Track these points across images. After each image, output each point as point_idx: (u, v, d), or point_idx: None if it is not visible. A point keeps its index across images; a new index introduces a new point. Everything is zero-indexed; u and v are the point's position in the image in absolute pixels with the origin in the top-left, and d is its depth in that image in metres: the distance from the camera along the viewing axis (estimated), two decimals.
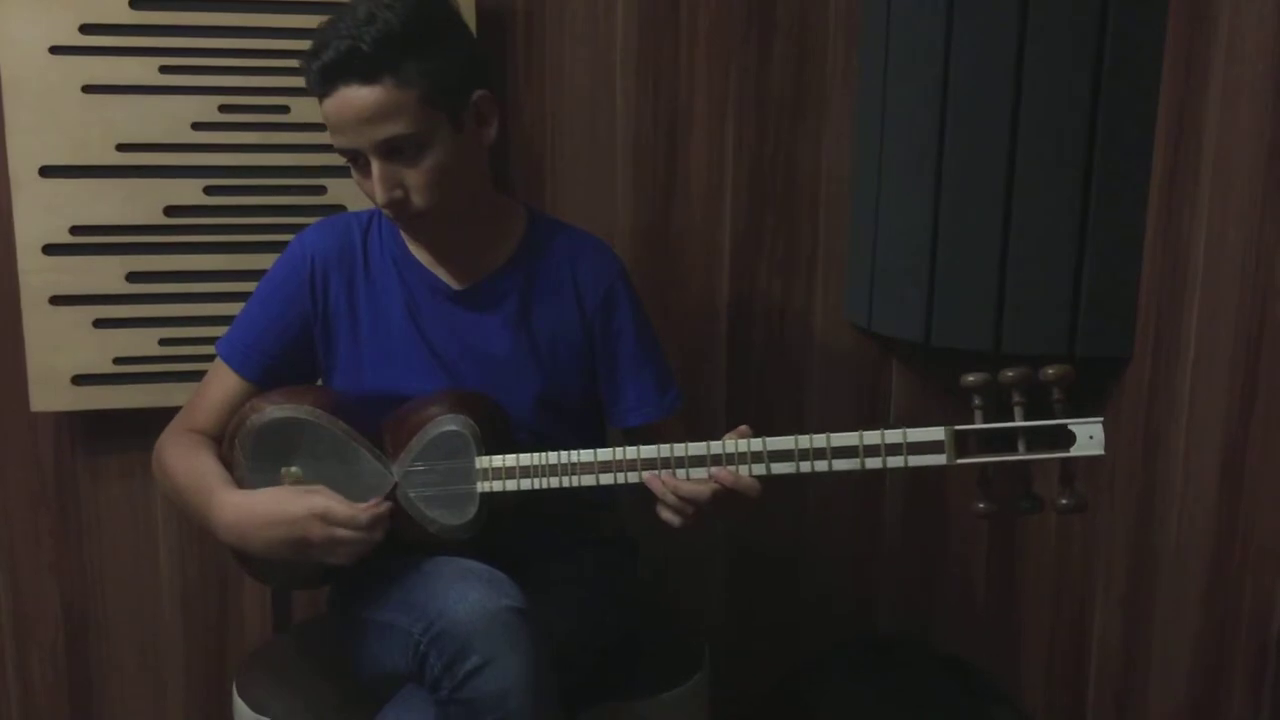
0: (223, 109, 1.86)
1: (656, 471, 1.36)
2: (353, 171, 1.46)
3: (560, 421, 1.59)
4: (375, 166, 1.40)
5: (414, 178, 1.42)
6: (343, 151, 1.43)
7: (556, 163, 2.05)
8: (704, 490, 1.34)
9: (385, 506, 1.38)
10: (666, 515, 1.37)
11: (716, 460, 1.34)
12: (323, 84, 1.39)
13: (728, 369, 2.17)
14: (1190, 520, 1.70)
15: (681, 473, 1.36)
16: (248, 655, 1.81)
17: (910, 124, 1.89)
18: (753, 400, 2.17)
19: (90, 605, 2.04)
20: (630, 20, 2.03)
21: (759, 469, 1.33)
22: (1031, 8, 1.73)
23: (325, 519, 1.35)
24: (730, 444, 1.34)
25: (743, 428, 1.37)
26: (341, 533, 1.35)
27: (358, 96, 1.37)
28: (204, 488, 1.44)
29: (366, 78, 1.36)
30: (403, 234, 1.55)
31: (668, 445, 1.36)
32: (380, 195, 1.41)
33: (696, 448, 1.35)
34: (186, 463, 1.49)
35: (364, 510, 1.36)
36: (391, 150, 1.40)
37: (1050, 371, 1.23)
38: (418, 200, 1.43)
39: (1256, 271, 1.55)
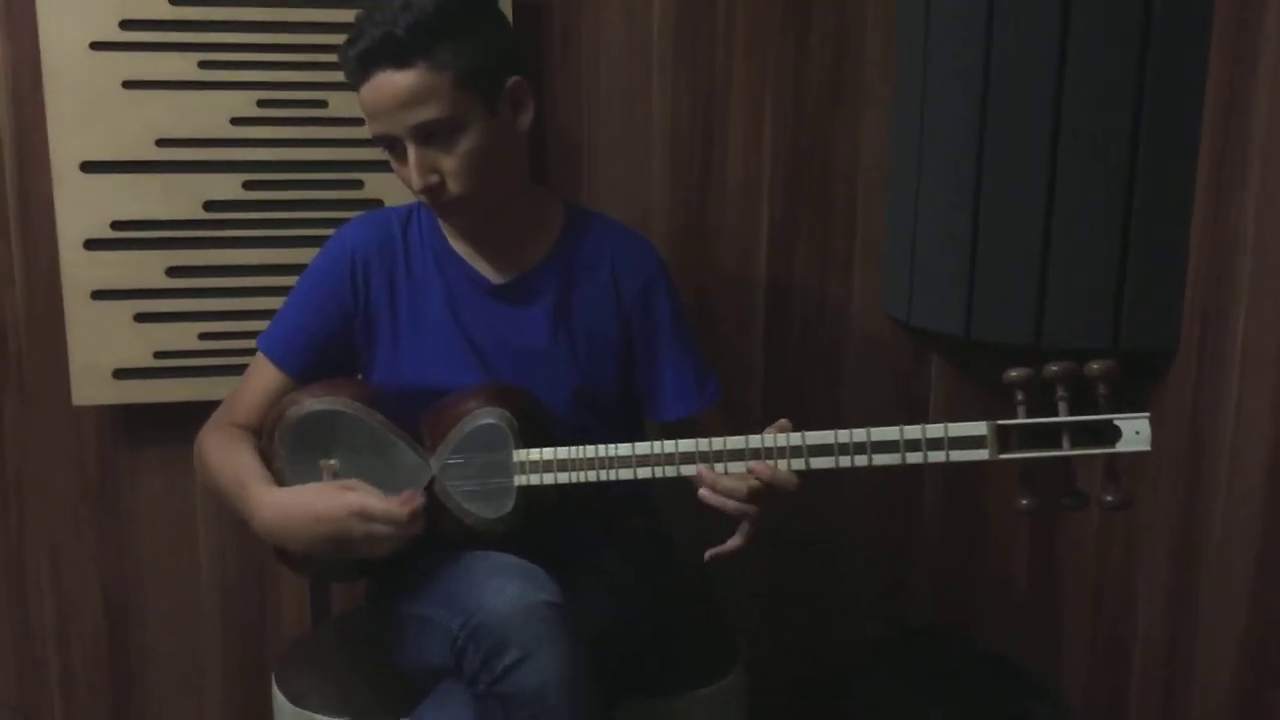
0: (261, 104, 1.87)
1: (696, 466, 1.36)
2: (390, 159, 1.47)
3: (598, 415, 1.58)
4: (411, 152, 1.41)
5: (449, 163, 1.42)
6: (379, 138, 1.44)
7: (593, 153, 2.04)
8: (741, 485, 1.33)
9: (421, 499, 1.38)
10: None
11: (755, 455, 1.34)
12: (359, 71, 1.40)
13: (765, 362, 2.15)
14: (1236, 517, 1.67)
15: (720, 467, 1.35)
16: (286, 647, 1.82)
17: (950, 115, 1.87)
18: (789, 394, 2.16)
19: (131, 597, 2.06)
20: (667, 10, 2.02)
21: (798, 464, 1.32)
22: None
23: (364, 515, 1.35)
24: (769, 438, 1.33)
25: (782, 421, 1.36)
26: (380, 528, 1.35)
27: (392, 81, 1.38)
28: (243, 485, 1.44)
29: (400, 62, 1.37)
30: (442, 226, 1.55)
31: (706, 439, 1.36)
32: (416, 180, 1.42)
33: (735, 442, 1.35)
34: (226, 458, 1.50)
35: (401, 504, 1.36)
36: (427, 135, 1.41)
37: (1095, 366, 1.21)
38: (454, 186, 1.43)
39: None
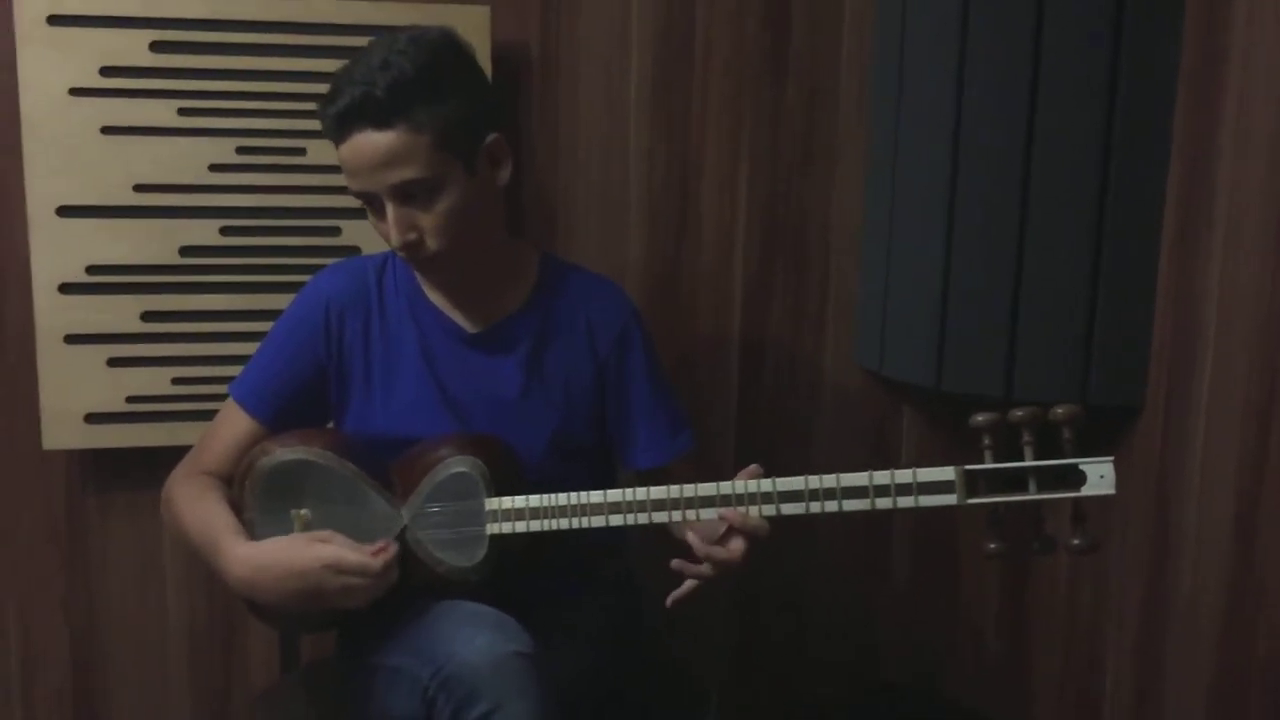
0: (240, 150, 1.88)
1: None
2: (368, 214, 1.47)
3: (572, 464, 1.58)
4: (390, 210, 1.42)
5: (428, 221, 1.43)
6: (358, 195, 1.45)
7: (570, 205, 2.06)
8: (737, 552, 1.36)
9: (394, 549, 1.38)
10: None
11: (726, 501, 1.35)
12: (338, 129, 1.41)
13: (738, 412, 2.17)
14: (1204, 569, 1.68)
15: (691, 514, 1.36)
16: (254, 696, 1.80)
17: (922, 170, 1.90)
18: (763, 444, 2.17)
19: (98, 643, 2.03)
20: (644, 64, 2.05)
21: (769, 509, 1.33)
22: (1044, 55, 1.75)
23: (337, 568, 1.35)
24: (740, 485, 1.34)
25: (753, 467, 1.37)
26: (354, 580, 1.35)
27: (371, 142, 1.38)
28: (213, 537, 1.43)
29: (380, 123, 1.38)
30: (418, 276, 1.56)
31: (678, 486, 1.37)
32: (396, 238, 1.43)
33: (706, 488, 1.35)
34: (196, 508, 1.49)
35: (374, 555, 1.35)
36: (406, 194, 1.41)
37: (1060, 411, 1.23)
38: (432, 243, 1.44)
39: (1269, 321, 1.55)
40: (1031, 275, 1.81)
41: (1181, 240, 1.73)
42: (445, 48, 1.44)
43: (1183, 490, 1.73)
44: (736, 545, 1.36)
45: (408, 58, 1.39)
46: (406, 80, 1.38)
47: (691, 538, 1.37)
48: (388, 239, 1.45)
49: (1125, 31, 1.72)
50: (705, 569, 1.37)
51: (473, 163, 1.45)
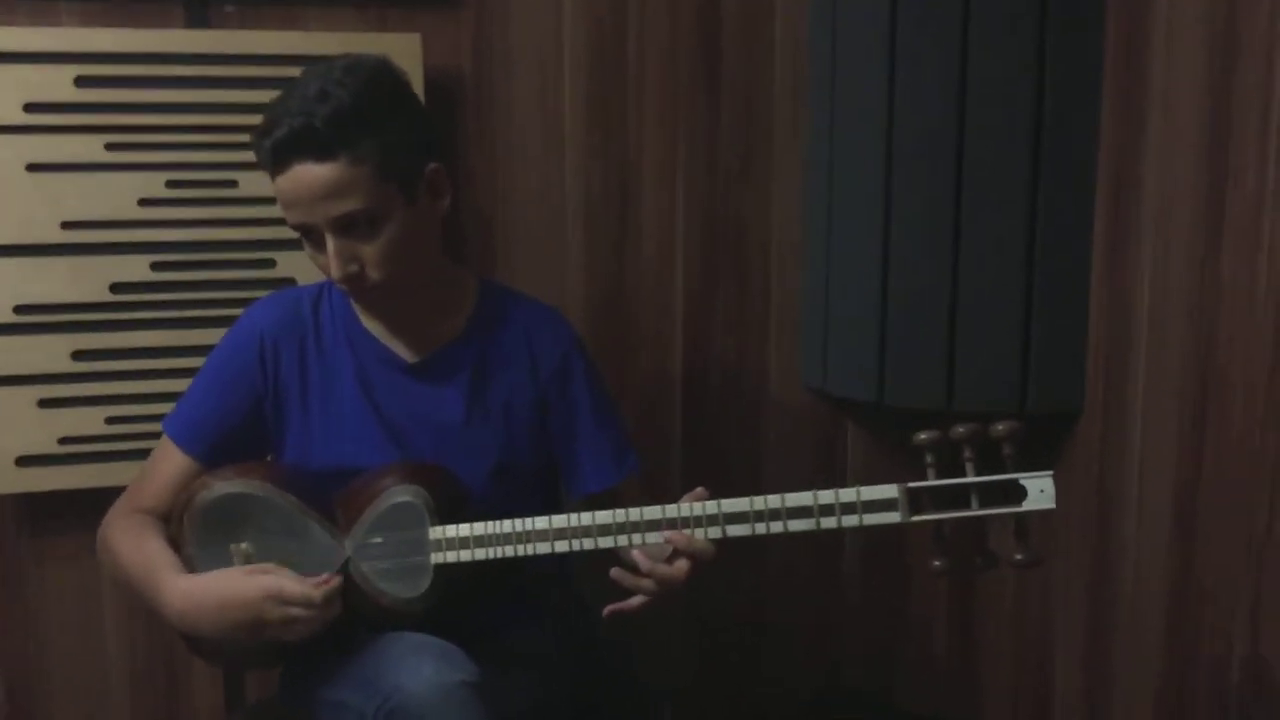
0: (170, 184, 1.85)
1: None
2: (305, 246, 1.45)
3: (516, 490, 1.57)
4: (330, 242, 1.39)
5: (369, 252, 1.41)
6: (296, 227, 1.42)
7: (508, 229, 2.06)
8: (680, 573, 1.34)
9: (337, 581, 1.37)
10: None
11: (672, 524, 1.34)
12: (275, 161, 1.38)
13: (683, 431, 2.16)
14: (1145, 570, 1.71)
15: (637, 538, 1.35)
16: None
17: (856, 184, 1.92)
18: (709, 464, 2.17)
19: (36, 690, 1.98)
20: (578, 85, 2.05)
21: (715, 532, 1.33)
22: (971, 67, 1.77)
23: (278, 598, 1.33)
24: (685, 507, 1.34)
25: (699, 490, 1.37)
26: (296, 611, 1.33)
27: (311, 174, 1.36)
28: (152, 573, 1.41)
29: (320, 155, 1.36)
30: (355, 307, 1.54)
31: (623, 510, 1.36)
32: (336, 271, 1.40)
33: (651, 512, 1.35)
34: (134, 546, 1.46)
35: (316, 587, 1.34)
36: (347, 225, 1.39)
37: (1000, 428, 1.25)
38: (373, 274, 1.42)
39: (1199, 322, 1.58)
40: (967, 287, 1.83)
41: (1111, 246, 1.76)
42: (383, 76, 1.43)
43: (1122, 492, 1.75)
44: (680, 565, 1.36)
45: (345, 87, 1.37)
46: (346, 110, 1.36)
47: (638, 554, 1.36)
48: (326, 271, 1.43)
49: (1050, 40, 1.76)
50: (648, 584, 1.36)
51: (413, 192, 1.44)
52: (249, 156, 1.81)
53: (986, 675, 2.16)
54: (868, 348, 1.91)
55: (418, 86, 1.85)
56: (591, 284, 2.10)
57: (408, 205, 1.43)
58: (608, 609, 1.39)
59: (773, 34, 2.11)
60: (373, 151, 1.37)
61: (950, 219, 1.82)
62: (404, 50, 1.85)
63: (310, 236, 1.43)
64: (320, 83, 1.37)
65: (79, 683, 1.99)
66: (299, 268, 1.88)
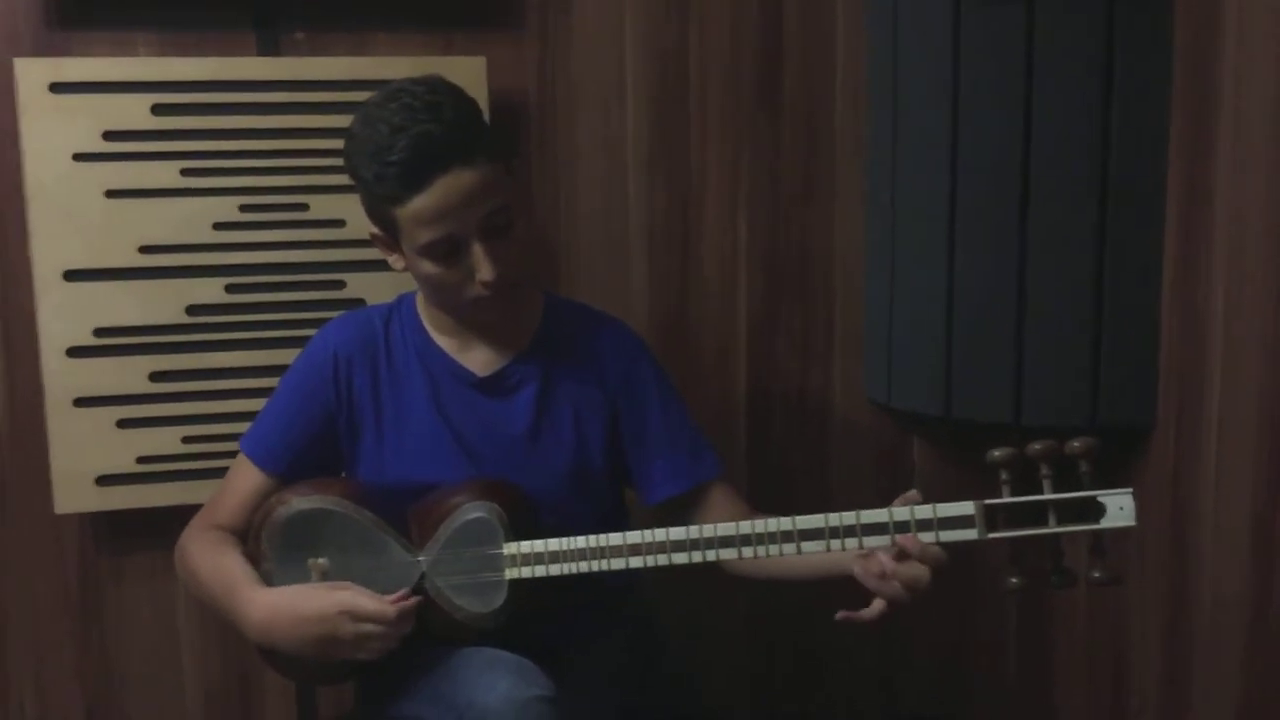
0: (243, 208, 1.89)
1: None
2: (435, 269, 1.42)
3: (586, 501, 1.58)
4: (479, 247, 1.40)
5: (508, 251, 1.43)
6: (434, 244, 1.39)
7: (571, 252, 2.07)
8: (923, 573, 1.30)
9: (413, 600, 1.38)
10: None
11: (745, 541, 1.34)
12: (415, 180, 1.36)
13: (748, 452, 2.16)
14: (1223, 590, 1.68)
15: (710, 554, 1.35)
16: None
17: (921, 199, 1.91)
18: (776, 482, 2.16)
19: (114, 708, 2.01)
20: (641, 108, 2.06)
21: (790, 549, 1.32)
22: (1037, 79, 1.76)
23: (353, 615, 1.35)
24: (760, 524, 1.34)
25: (911, 494, 1.33)
26: (370, 628, 1.35)
27: (462, 180, 1.37)
28: (230, 586, 1.44)
29: (465, 159, 1.37)
30: (425, 320, 1.56)
31: (696, 527, 1.36)
32: (493, 272, 1.40)
33: (725, 528, 1.35)
34: (211, 561, 1.49)
35: (392, 604, 1.36)
36: (494, 227, 1.41)
37: (1076, 444, 1.23)
38: (512, 273, 1.44)
39: (1275, 335, 1.55)
40: (1035, 299, 1.81)
41: (1183, 259, 1.74)
42: (452, 84, 1.45)
43: (1198, 510, 1.72)
44: (922, 569, 1.30)
45: (446, 95, 1.40)
46: (466, 113, 1.39)
47: (883, 557, 1.31)
48: (458, 288, 1.43)
49: (1117, 51, 1.74)
50: (893, 587, 1.30)
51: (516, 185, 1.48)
52: (320, 180, 1.87)
53: (1059, 699, 2.13)
54: (935, 361, 1.90)
55: (484, 105, 1.87)
56: (655, 306, 2.11)
57: (519, 198, 1.46)
58: (841, 614, 1.34)
59: (833, 53, 2.12)
60: (495, 148, 1.41)
61: (1016, 231, 1.81)
62: (469, 74, 1.87)
63: (449, 255, 1.41)
64: (422, 98, 1.38)
65: (155, 700, 2.02)
66: (369, 288, 1.91)
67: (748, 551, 1.34)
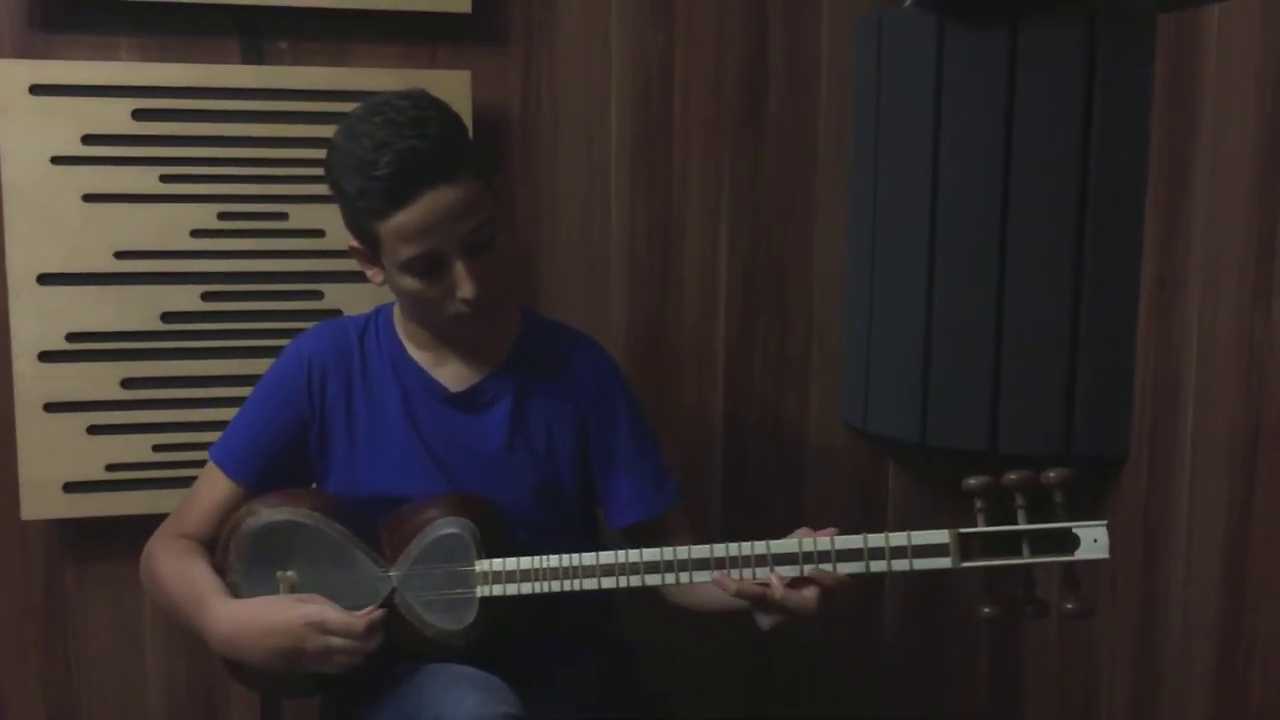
0: (222, 216, 1.87)
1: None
2: (413, 283, 1.41)
3: (557, 517, 1.58)
4: (462, 264, 1.39)
5: (490, 269, 1.42)
6: (416, 260, 1.39)
7: (552, 266, 2.07)
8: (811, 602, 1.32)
9: (380, 614, 1.37)
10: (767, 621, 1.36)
11: (720, 564, 1.33)
12: (399, 195, 1.35)
13: (724, 472, 2.16)
14: (1194, 620, 1.68)
15: (684, 576, 1.35)
16: None
17: (902, 226, 1.92)
18: (750, 502, 2.16)
19: (76, 715, 1.99)
20: (624, 124, 2.06)
21: (763, 573, 1.32)
22: (1018, 110, 1.78)
23: (320, 628, 1.34)
24: (734, 547, 1.33)
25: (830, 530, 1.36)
26: (337, 642, 1.34)
27: (445, 196, 1.36)
28: (196, 597, 1.42)
29: (449, 176, 1.36)
30: (401, 333, 1.56)
31: (670, 549, 1.36)
32: (474, 290, 1.39)
33: (700, 551, 1.34)
34: (178, 570, 1.47)
35: (360, 618, 1.34)
36: (476, 244, 1.40)
37: (1052, 475, 1.23)
38: (494, 291, 1.43)
39: (1250, 369, 1.57)
40: (1013, 328, 1.82)
41: (1160, 288, 1.75)
42: (435, 99, 1.44)
43: (1170, 540, 1.73)
44: (809, 593, 1.32)
45: (430, 110, 1.39)
46: (451, 129, 1.39)
47: (772, 578, 1.33)
48: (437, 305, 1.42)
49: (1098, 85, 1.75)
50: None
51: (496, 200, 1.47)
52: (300, 189, 1.86)
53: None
54: (911, 388, 1.91)
55: (466, 118, 1.87)
56: (634, 323, 2.10)
57: (500, 214, 1.45)
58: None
59: (817, 76, 2.12)
60: (479, 164, 1.41)
61: (995, 259, 1.81)
62: (453, 87, 1.87)
63: (429, 269, 1.40)
64: (405, 114, 1.37)
65: (118, 709, 2.00)
66: (347, 299, 1.90)
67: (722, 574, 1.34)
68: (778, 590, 1.32)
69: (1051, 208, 1.79)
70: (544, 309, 2.02)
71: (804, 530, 1.36)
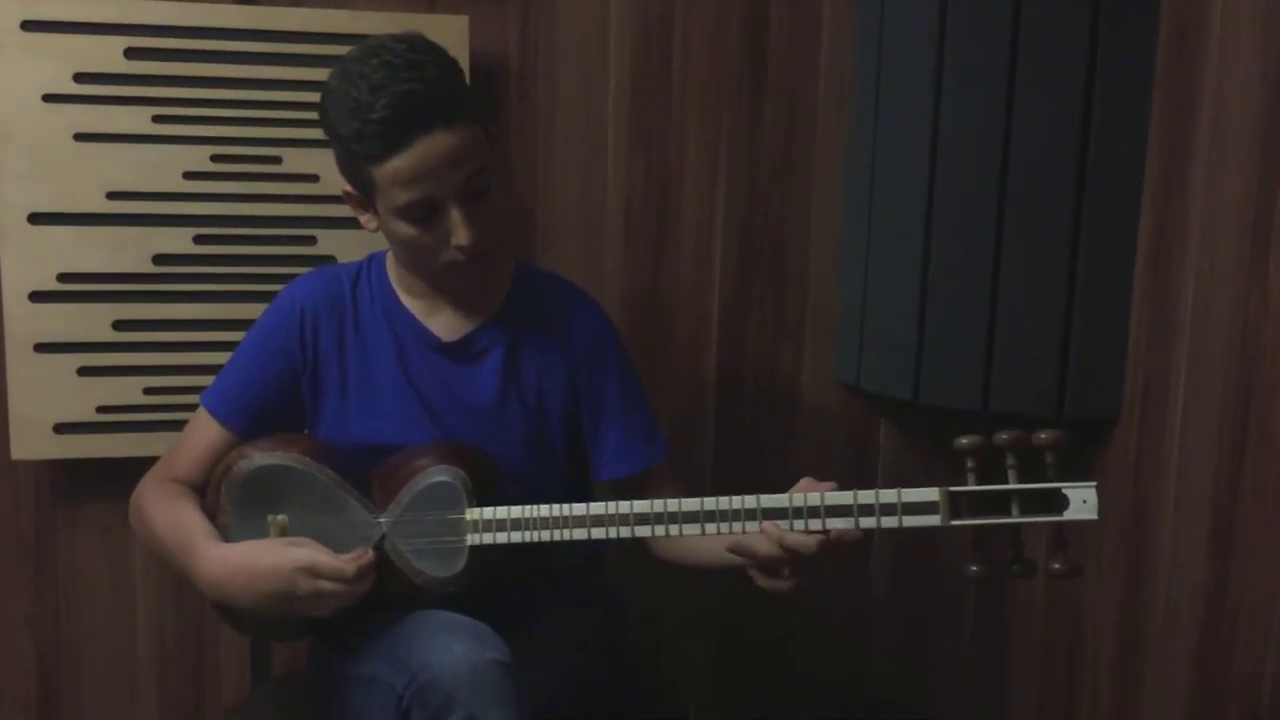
0: (215, 159, 1.86)
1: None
2: (408, 229, 1.40)
3: (547, 470, 1.58)
4: (458, 211, 1.38)
5: (487, 215, 1.41)
6: (411, 205, 1.38)
7: (547, 222, 2.05)
8: (811, 541, 1.30)
9: (370, 557, 1.37)
10: (765, 580, 1.36)
11: (710, 517, 1.33)
12: (395, 140, 1.34)
13: (716, 429, 2.16)
14: (1180, 583, 1.69)
15: (674, 529, 1.35)
16: (225, 710, 1.78)
17: (899, 185, 1.91)
18: (742, 459, 2.16)
19: (65, 657, 2.00)
20: (623, 80, 2.04)
21: (752, 527, 1.32)
22: (1020, 69, 1.76)
23: (311, 571, 1.34)
24: (725, 500, 1.33)
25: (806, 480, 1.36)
26: (327, 585, 1.34)
27: (442, 141, 1.35)
28: (186, 540, 1.42)
29: (447, 121, 1.35)
30: (394, 282, 1.55)
31: (660, 501, 1.36)
32: (470, 237, 1.39)
33: (690, 504, 1.34)
34: (168, 514, 1.47)
35: (350, 561, 1.34)
36: (473, 190, 1.39)
37: (1043, 435, 1.23)
38: (491, 238, 1.43)
39: (1243, 332, 1.56)
40: (1008, 289, 1.82)
41: (1155, 252, 1.75)
42: (433, 43, 1.42)
43: (1159, 502, 1.74)
44: (811, 539, 1.30)
45: (428, 54, 1.37)
46: (448, 73, 1.37)
47: (767, 526, 1.32)
48: (433, 252, 1.41)
49: (1101, 46, 1.74)
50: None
51: (494, 148, 1.46)
52: (294, 133, 1.84)
53: (1014, 685, 2.15)
54: (905, 347, 1.90)
55: (463, 68, 1.85)
56: (629, 279, 2.10)
57: (495, 161, 1.44)
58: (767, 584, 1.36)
59: (818, 33, 2.10)
60: (476, 110, 1.39)
61: (992, 220, 1.81)
62: (451, 32, 1.85)
63: (424, 215, 1.39)
64: (402, 57, 1.35)
65: (108, 649, 2.01)
66: (340, 245, 1.89)
67: (710, 528, 1.34)
68: (817, 545, 1.29)
69: (1050, 170, 1.78)
70: (538, 259, 2.01)
71: (807, 480, 1.35)
